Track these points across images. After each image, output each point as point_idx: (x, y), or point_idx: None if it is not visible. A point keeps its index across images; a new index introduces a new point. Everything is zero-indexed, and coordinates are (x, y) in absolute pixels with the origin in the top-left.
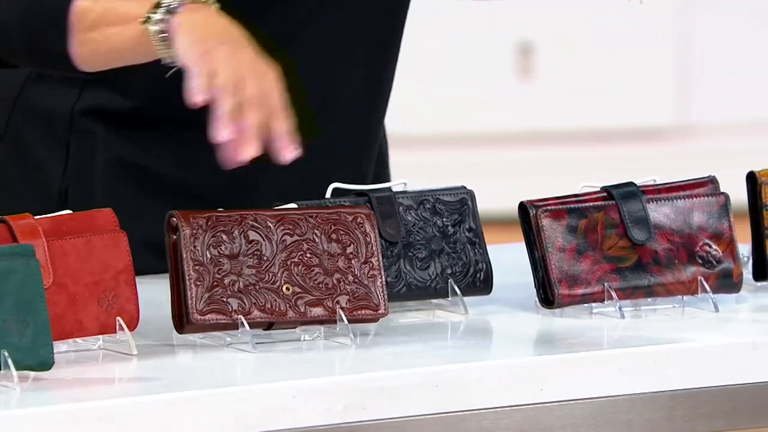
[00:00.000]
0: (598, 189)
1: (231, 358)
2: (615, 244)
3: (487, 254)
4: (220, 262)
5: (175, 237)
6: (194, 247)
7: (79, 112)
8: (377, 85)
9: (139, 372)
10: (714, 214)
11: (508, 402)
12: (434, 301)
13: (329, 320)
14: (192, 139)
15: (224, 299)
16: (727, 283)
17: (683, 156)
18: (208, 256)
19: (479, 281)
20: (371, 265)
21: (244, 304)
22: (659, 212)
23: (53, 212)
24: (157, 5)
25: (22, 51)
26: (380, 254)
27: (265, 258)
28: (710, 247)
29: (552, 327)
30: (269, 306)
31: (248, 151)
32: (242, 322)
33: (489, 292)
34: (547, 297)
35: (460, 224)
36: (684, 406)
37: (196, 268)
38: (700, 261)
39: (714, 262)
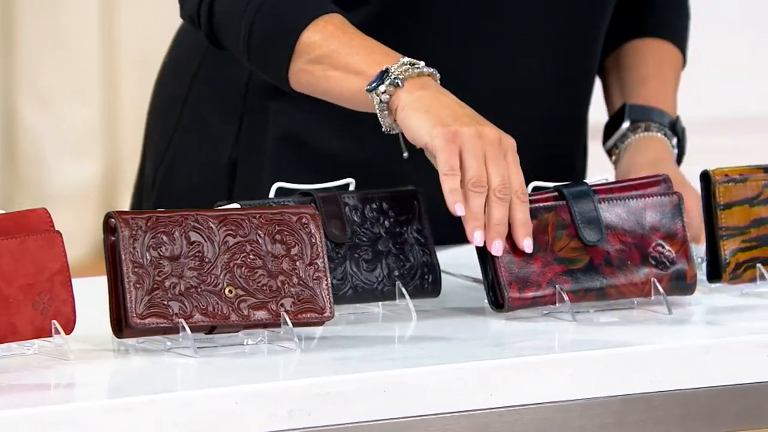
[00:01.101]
0: (550, 189)
1: (172, 363)
2: (566, 245)
3: (435, 256)
4: (160, 264)
5: (113, 238)
6: (133, 248)
7: (253, 86)
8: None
9: (75, 377)
10: (667, 214)
11: (457, 407)
12: (381, 303)
13: (273, 323)
14: (364, 120)
15: (165, 302)
16: (681, 284)
17: None
18: (148, 257)
19: (427, 283)
20: (316, 266)
21: (186, 307)
22: (611, 212)
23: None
24: (383, 74)
25: (243, 52)
26: (326, 256)
27: (207, 260)
28: (663, 247)
29: (502, 330)
30: (211, 309)
31: (496, 247)
32: (183, 326)
33: (437, 295)
34: (497, 300)
35: (408, 225)
36: (637, 411)
37: (136, 270)
38: (653, 262)
39: (667, 263)
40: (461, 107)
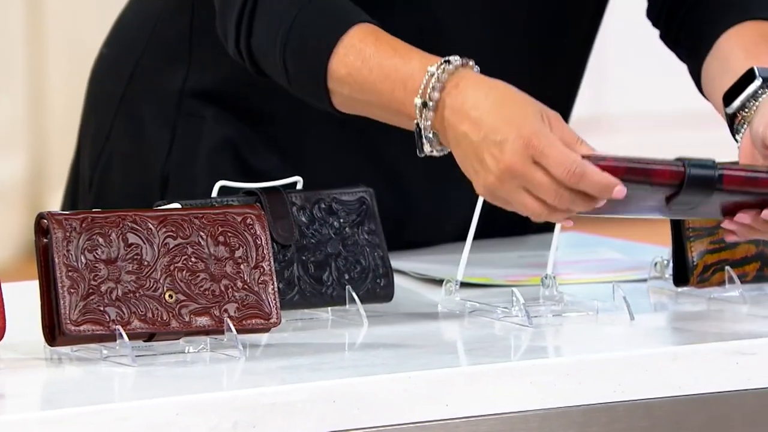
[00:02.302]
0: (674, 161)
1: (108, 373)
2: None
3: (387, 258)
4: (96, 267)
5: (45, 240)
6: (67, 251)
7: (188, 92)
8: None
9: (5, 388)
10: None
11: (410, 419)
12: (331, 308)
13: (216, 330)
14: (306, 144)
15: (101, 308)
16: None
17: (599, 148)
18: (83, 261)
19: (379, 287)
20: (262, 270)
21: (123, 313)
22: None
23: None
24: (423, 108)
25: (290, 89)
26: (272, 258)
27: (145, 263)
28: None
29: (457, 337)
30: (150, 315)
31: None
32: (120, 333)
33: (390, 299)
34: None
35: (359, 226)
36: (599, 422)
37: (70, 274)
38: None
39: None
40: (473, 140)
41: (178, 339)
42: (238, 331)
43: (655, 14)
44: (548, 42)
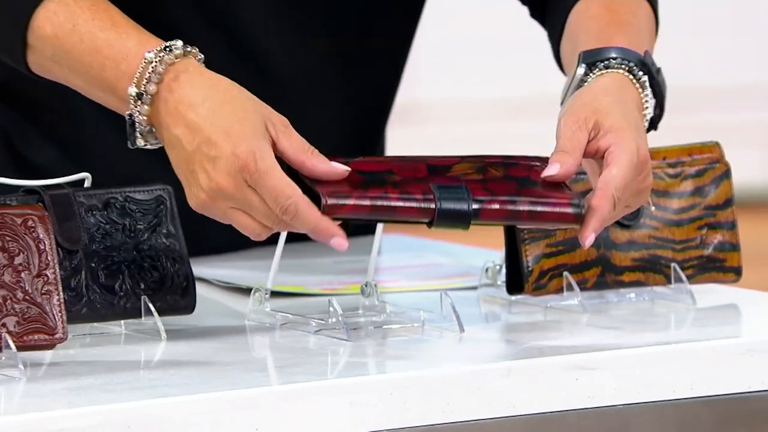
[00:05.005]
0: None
1: None
2: None
3: (188, 265)
4: None
5: None
6: None
7: None
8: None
9: None
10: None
11: None
12: (124, 322)
13: None
14: (87, 134)
15: None
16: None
17: (412, 139)
18: None
19: (179, 298)
20: (46, 278)
21: None
22: None
23: None
24: (137, 99)
25: None
26: (57, 265)
27: None
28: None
29: (267, 353)
30: None
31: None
32: None
33: (191, 311)
34: None
35: (156, 228)
36: None
37: None
38: None
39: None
40: (187, 148)
41: None
42: (19, 348)
43: None
44: (357, 31)
